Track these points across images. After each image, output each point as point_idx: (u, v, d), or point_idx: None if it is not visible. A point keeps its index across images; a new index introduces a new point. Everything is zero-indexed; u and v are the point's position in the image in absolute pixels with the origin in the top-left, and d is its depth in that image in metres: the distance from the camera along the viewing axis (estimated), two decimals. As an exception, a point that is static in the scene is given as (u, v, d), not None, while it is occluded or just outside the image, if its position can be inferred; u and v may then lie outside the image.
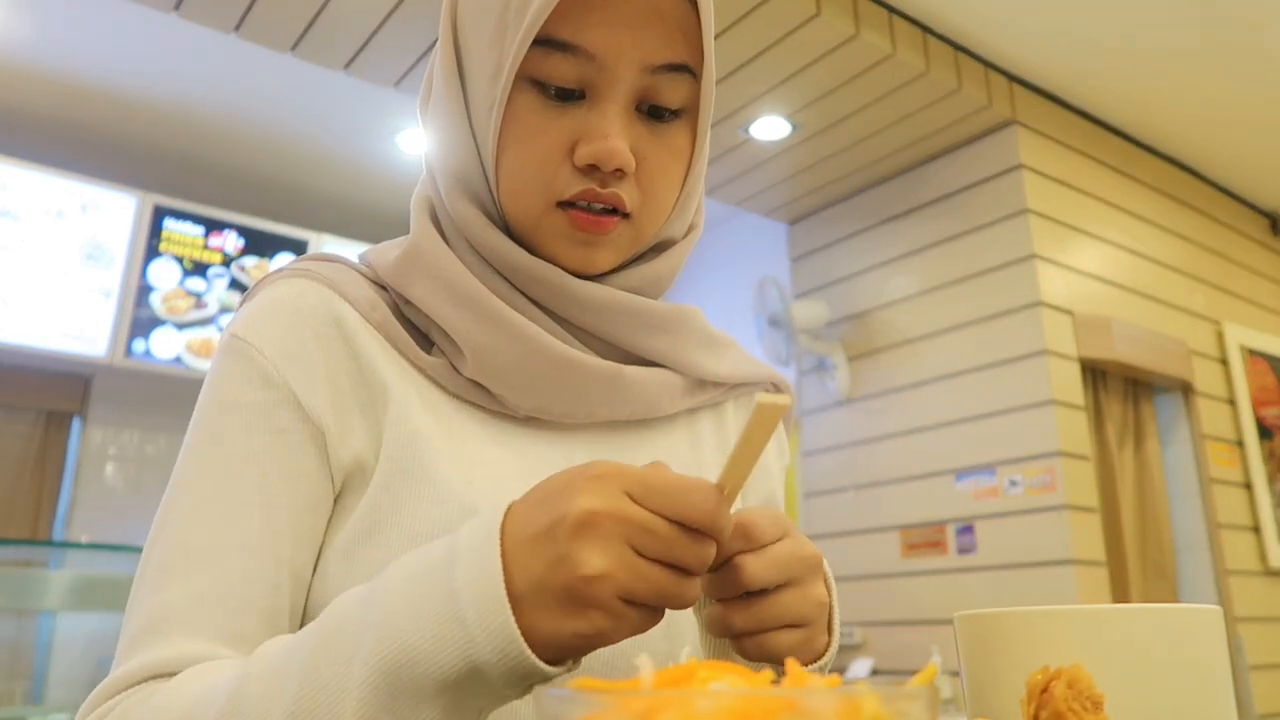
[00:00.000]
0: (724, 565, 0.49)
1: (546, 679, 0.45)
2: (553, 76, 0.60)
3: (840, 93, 2.84)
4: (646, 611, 0.44)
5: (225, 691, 0.47)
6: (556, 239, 0.62)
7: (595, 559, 0.42)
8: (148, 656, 0.52)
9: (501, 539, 0.45)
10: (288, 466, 0.58)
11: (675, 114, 0.63)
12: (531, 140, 0.61)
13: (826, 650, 0.54)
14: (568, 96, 0.61)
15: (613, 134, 0.60)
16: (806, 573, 0.51)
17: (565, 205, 0.61)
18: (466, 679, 0.44)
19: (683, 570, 0.45)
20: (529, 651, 0.43)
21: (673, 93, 0.62)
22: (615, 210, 0.62)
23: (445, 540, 0.47)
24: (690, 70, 0.62)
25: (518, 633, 0.43)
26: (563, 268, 0.63)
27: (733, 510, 0.47)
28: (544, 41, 0.59)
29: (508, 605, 0.43)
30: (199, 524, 0.56)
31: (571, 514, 0.43)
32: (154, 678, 0.52)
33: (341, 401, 0.61)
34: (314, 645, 0.47)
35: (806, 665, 0.53)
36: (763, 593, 0.49)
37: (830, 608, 0.55)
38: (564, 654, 0.45)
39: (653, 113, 0.62)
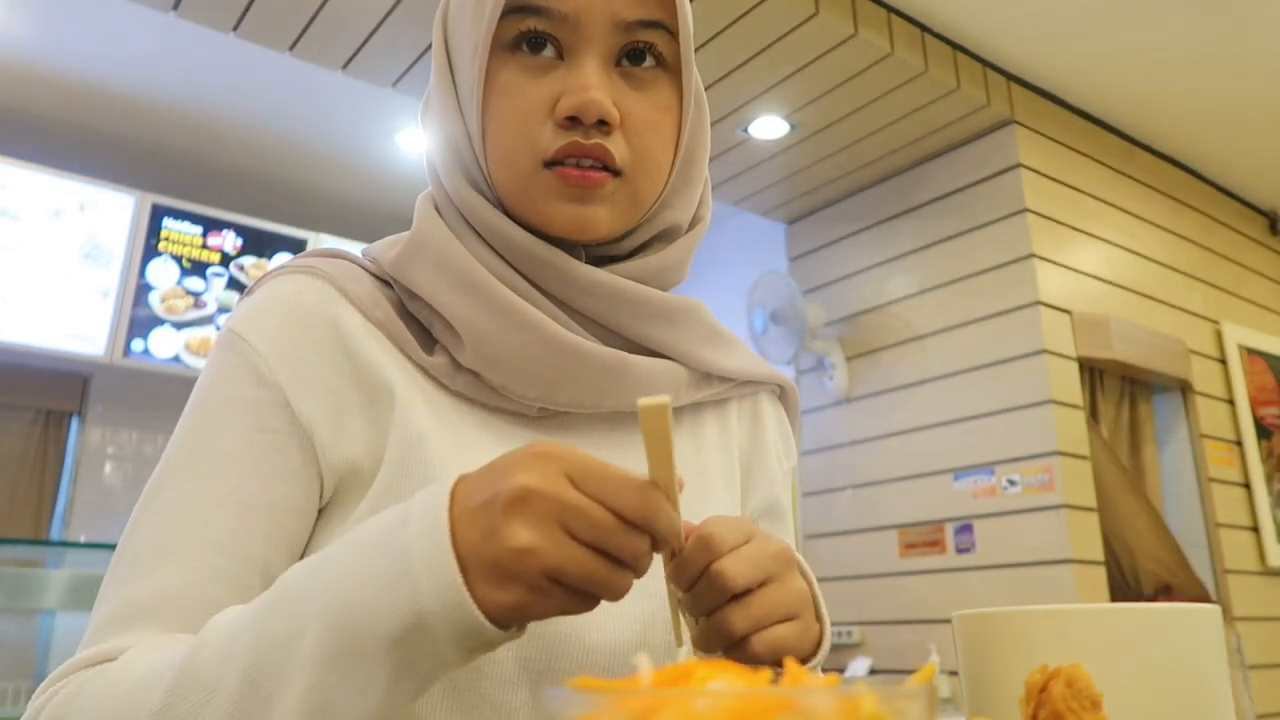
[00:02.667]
0: (701, 578, 0.50)
1: (490, 642, 0.45)
2: (528, 41, 0.61)
3: (838, 92, 2.84)
4: (576, 594, 0.45)
5: (180, 655, 0.48)
6: (548, 199, 0.62)
7: (523, 533, 0.43)
8: (108, 644, 0.53)
9: (451, 507, 0.46)
10: (270, 466, 0.58)
11: (655, 66, 0.64)
12: (514, 105, 0.62)
13: (821, 637, 0.56)
14: (543, 54, 0.62)
15: (591, 86, 0.60)
16: (781, 568, 0.52)
17: (553, 165, 0.61)
18: (414, 633, 0.44)
19: (617, 561, 0.45)
20: (472, 604, 0.44)
21: (649, 47, 0.63)
22: (605, 167, 0.61)
23: (400, 506, 0.48)
24: (665, 27, 0.63)
25: (463, 584, 0.44)
26: (559, 234, 0.63)
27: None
28: (517, 9, 0.61)
29: (454, 559, 0.44)
30: (174, 518, 0.56)
31: (507, 489, 0.44)
32: (110, 660, 0.52)
33: (336, 404, 0.60)
34: (270, 604, 0.47)
35: (809, 656, 0.54)
36: (748, 593, 0.50)
37: (813, 596, 0.56)
38: (501, 623, 0.45)
39: (632, 58, 0.63)
